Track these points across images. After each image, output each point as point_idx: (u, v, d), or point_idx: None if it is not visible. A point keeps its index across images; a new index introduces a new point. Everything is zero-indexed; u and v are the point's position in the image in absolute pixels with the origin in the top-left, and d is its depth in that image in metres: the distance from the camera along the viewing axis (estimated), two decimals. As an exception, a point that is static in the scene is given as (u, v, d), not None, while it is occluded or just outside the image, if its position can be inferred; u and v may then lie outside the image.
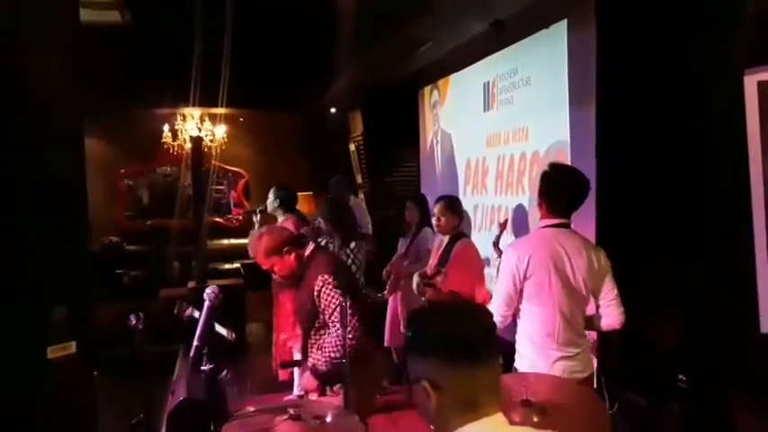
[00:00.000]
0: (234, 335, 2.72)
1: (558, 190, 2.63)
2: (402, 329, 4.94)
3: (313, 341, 2.82)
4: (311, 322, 2.79)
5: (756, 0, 2.43)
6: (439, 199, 4.12)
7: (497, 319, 2.56)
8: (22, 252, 2.01)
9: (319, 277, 2.69)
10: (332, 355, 2.67)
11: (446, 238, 3.99)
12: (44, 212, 2.07)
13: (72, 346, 2.05)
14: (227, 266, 8.37)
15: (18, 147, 2.03)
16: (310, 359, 2.84)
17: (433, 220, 4.07)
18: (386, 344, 5.06)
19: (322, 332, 2.78)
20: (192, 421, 3.13)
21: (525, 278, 2.55)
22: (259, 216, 5.02)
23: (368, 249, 4.96)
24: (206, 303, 2.19)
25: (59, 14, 2.15)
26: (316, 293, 2.69)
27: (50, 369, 2.00)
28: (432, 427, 1.22)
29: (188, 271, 7.89)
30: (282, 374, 4.44)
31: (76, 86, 2.19)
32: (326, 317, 2.68)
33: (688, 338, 2.86)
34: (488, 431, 1.15)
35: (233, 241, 9.03)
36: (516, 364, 2.68)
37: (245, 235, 9.16)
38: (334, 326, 2.63)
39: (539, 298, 2.55)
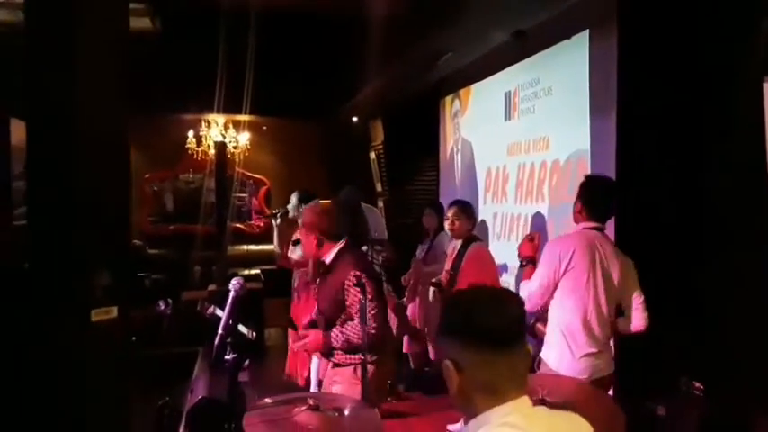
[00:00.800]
0: (254, 334, 2.78)
1: (596, 197, 2.82)
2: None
3: (337, 331, 2.84)
4: (337, 315, 2.84)
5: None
6: (452, 204, 4.20)
7: (528, 307, 2.65)
8: (71, 222, 2.13)
9: (352, 272, 2.73)
10: (351, 339, 2.73)
11: (459, 243, 4.05)
12: (90, 186, 2.21)
13: (114, 311, 2.14)
14: (246, 272, 8.45)
15: (72, 136, 2.19)
16: (337, 357, 2.89)
17: (447, 225, 4.15)
18: (403, 350, 5.10)
19: (342, 322, 2.83)
20: (210, 418, 3.20)
21: (566, 270, 2.66)
22: (279, 220, 5.03)
23: (386, 255, 5.01)
24: (231, 294, 2.25)
25: (110, 27, 2.30)
26: (346, 287, 2.75)
27: (93, 331, 2.09)
28: (457, 407, 1.25)
29: (209, 275, 8.00)
30: (300, 379, 4.48)
31: (123, 94, 2.35)
32: (353, 311, 2.72)
33: (705, 344, 2.85)
34: (512, 413, 1.17)
35: (253, 247, 9.14)
36: (543, 354, 2.75)
37: (265, 241, 9.31)
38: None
39: (576, 292, 2.66)
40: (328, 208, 3.04)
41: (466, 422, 1.23)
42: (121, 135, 2.37)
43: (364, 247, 4.31)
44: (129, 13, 2.50)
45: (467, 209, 4.16)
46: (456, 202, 4.28)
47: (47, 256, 2.14)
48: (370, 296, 2.71)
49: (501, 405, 1.18)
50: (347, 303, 2.76)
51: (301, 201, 4.87)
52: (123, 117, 2.37)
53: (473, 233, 4.15)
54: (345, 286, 2.75)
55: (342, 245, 2.93)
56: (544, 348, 2.77)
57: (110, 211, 2.25)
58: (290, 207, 4.98)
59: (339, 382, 2.84)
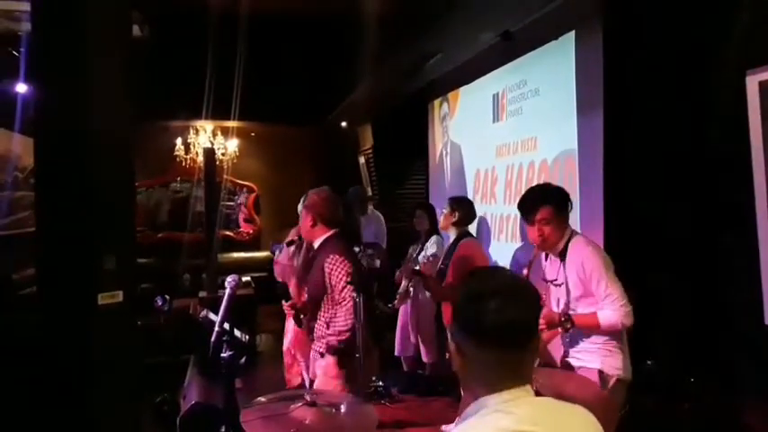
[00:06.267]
0: (248, 337, 2.79)
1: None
2: (412, 339, 4.98)
3: (322, 324, 2.94)
4: (321, 295, 2.93)
5: (755, 1, 2.50)
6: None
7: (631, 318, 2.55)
8: (82, 212, 2.16)
9: (330, 256, 2.86)
10: (340, 329, 2.82)
11: (453, 238, 4.11)
12: (99, 179, 2.24)
13: (119, 295, 2.15)
14: (237, 279, 8.40)
15: (80, 131, 2.23)
16: (319, 341, 2.97)
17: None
18: (396, 353, 5.10)
19: (328, 315, 2.92)
20: (204, 424, 3.18)
21: None
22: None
23: (381, 260, 5.02)
24: (227, 291, 2.25)
25: (116, 35, 2.34)
26: (327, 272, 2.86)
27: (100, 314, 2.10)
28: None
29: (198, 283, 7.95)
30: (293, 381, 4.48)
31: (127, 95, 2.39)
32: (337, 293, 2.84)
33: (697, 336, 2.89)
34: (511, 401, 1.15)
35: (243, 254, 9.11)
36: (605, 367, 2.61)
37: (254, 248, 9.30)
38: (345, 301, 2.80)
39: None
40: (329, 196, 3.16)
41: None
42: (126, 130, 2.40)
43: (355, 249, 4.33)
44: (131, 21, 2.54)
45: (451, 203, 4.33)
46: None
47: (55, 242, 2.15)
48: (341, 280, 2.82)
49: (499, 393, 1.16)
50: (332, 284, 2.86)
51: None
52: (126, 113, 2.41)
53: (467, 230, 4.21)
54: (327, 269, 2.86)
55: (331, 233, 3.04)
56: (600, 360, 2.61)
57: (115, 198, 2.28)
58: (300, 207, 4.96)
59: (321, 374, 2.93)
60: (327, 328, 2.91)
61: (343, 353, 2.83)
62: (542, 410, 1.17)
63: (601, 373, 2.59)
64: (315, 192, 3.15)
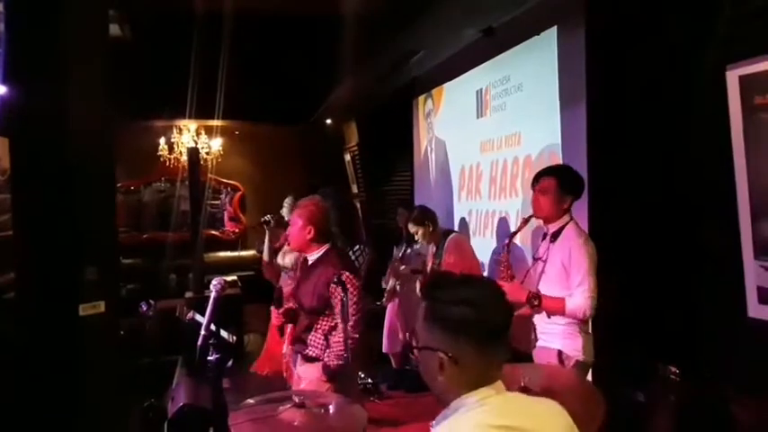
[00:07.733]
0: (234, 338, 2.76)
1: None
2: (400, 336, 5.00)
3: (319, 335, 2.85)
4: (319, 307, 2.82)
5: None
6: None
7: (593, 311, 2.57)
8: (62, 220, 2.12)
9: (336, 271, 2.71)
10: (338, 353, 2.72)
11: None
12: (78, 184, 2.20)
13: (101, 306, 2.12)
14: (223, 279, 8.37)
15: (58, 137, 2.19)
16: (311, 349, 2.88)
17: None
18: (384, 350, 5.11)
19: (326, 326, 2.83)
20: (193, 425, 3.16)
21: None
22: (272, 223, 4.92)
23: (371, 257, 5.03)
24: (213, 294, 2.23)
25: (94, 34, 2.30)
26: (332, 289, 2.72)
27: (82, 325, 2.07)
28: (434, 391, 1.27)
29: (184, 283, 7.92)
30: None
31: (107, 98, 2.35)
32: (338, 315, 2.70)
33: (681, 329, 2.92)
34: (489, 397, 1.21)
35: (229, 254, 9.08)
36: (566, 348, 2.66)
37: (241, 247, 9.27)
38: (353, 322, 2.67)
39: None
40: (325, 208, 3.01)
41: (444, 406, 1.26)
42: (106, 135, 2.37)
43: (356, 248, 4.34)
44: (108, 21, 2.49)
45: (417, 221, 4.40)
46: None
47: (32, 250, 2.11)
48: (354, 297, 2.69)
49: (479, 389, 1.22)
50: (335, 308, 2.74)
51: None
52: (107, 117, 2.38)
53: (448, 228, 4.27)
54: (331, 289, 2.72)
55: (327, 247, 2.94)
56: (561, 341, 2.67)
57: (96, 208, 2.25)
58: (284, 210, 4.94)
59: (309, 379, 2.83)
60: (325, 340, 2.82)
61: (335, 375, 2.74)
62: (515, 404, 1.26)
63: (560, 353, 2.65)
64: (312, 203, 3.00)
